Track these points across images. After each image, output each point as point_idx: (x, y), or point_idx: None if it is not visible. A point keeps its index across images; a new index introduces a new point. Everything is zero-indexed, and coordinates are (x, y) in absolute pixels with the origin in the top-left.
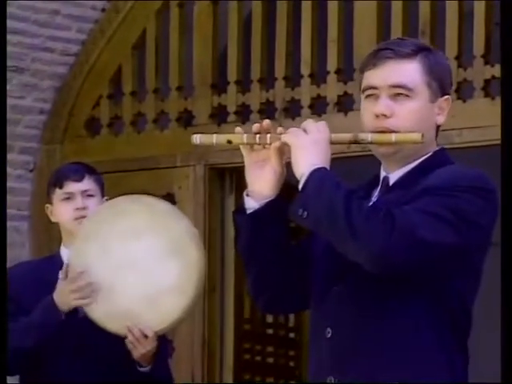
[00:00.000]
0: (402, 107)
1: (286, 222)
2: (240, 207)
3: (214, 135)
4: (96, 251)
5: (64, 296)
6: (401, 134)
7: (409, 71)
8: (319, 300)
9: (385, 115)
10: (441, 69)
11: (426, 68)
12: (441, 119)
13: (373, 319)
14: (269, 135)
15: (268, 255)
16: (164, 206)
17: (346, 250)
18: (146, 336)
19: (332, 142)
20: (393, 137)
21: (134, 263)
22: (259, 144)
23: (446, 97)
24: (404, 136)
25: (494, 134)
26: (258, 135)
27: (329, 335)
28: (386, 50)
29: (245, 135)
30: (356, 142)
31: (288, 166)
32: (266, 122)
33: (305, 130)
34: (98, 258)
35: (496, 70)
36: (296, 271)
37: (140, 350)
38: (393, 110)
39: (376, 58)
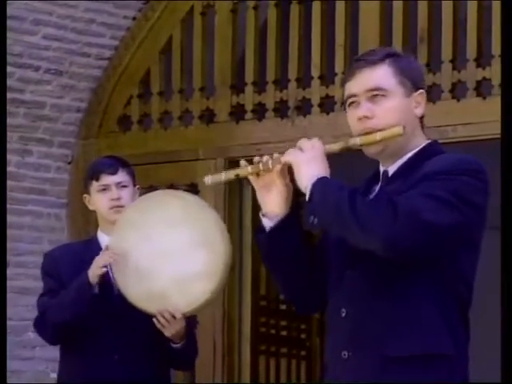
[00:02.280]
0: (381, 107)
1: (301, 233)
2: (259, 227)
3: (223, 173)
4: (135, 237)
5: (92, 269)
6: (384, 131)
7: (381, 74)
8: (334, 283)
9: (366, 117)
10: (411, 68)
11: (397, 69)
12: (419, 111)
13: (382, 298)
14: (270, 161)
15: (289, 264)
16: (196, 199)
17: (358, 242)
18: (174, 317)
19: (326, 154)
20: (377, 135)
21: (168, 250)
22: (263, 171)
23: (420, 91)
24: (387, 132)
25: (485, 130)
26: (260, 163)
27: (343, 314)
28: (359, 61)
29: (249, 166)
30: (347, 148)
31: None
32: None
33: (300, 149)
34: (137, 244)
35: (487, 72)
36: (319, 272)
37: (170, 329)
38: (373, 111)
39: (352, 70)
